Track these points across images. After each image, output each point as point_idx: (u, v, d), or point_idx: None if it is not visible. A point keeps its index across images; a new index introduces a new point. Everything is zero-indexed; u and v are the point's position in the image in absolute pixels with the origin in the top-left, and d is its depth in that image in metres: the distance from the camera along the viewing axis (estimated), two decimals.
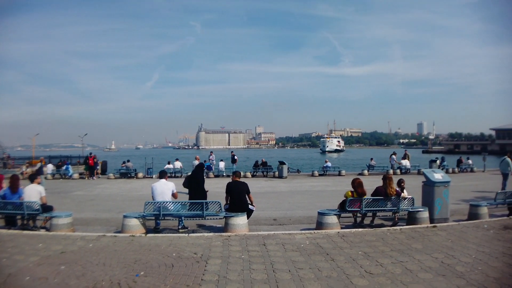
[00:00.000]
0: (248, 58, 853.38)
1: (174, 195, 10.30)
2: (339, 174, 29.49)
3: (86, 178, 27.60)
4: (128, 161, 30.01)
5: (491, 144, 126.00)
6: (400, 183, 11.01)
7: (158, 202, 9.69)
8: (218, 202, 9.63)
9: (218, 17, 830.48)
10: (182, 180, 12.01)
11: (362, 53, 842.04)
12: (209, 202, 9.65)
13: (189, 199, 10.70)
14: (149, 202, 9.69)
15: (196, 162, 22.20)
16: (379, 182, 10.94)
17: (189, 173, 14.00)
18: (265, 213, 12.93)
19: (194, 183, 11.22)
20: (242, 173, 27.58)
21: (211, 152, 30.49)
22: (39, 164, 24.17)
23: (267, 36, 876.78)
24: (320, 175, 29.55)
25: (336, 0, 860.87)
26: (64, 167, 28.60)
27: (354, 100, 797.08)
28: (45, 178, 23.41)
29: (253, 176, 28.74)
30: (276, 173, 28.49)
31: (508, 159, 18.69)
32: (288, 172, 28.88)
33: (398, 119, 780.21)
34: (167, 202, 9.74)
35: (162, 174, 10.76)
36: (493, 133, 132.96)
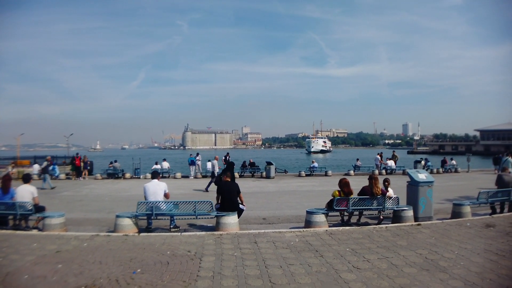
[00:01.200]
0: (235, 58, 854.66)
1: (166, 195, 10.51)
2: (326, 175, 29.84)
3: (73, 179, 27.50)
4: (116, 161, 29.99)
5: (476, 145, 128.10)
6: (384, 182, 11.38)
7: (150, 202, 9.90)
8: (210, 201, 9.87)
9: (205, 16, 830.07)
10: (171, 181, 12.23)
11: (348, 54, 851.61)
12: (201, 201, 9.88)
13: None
14: (141, 202, 9.89)
15: (215, 162, 22.28)
16: (365, 182, 11.24)
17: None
18: (254, 213, 13.16)
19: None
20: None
21: (198, 153, 30.59)
22: (45, 163, 24.12)
23: (254, 36, 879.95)
24: (307, 175, 29.86)
25: (323, 1, 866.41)
26: (50, 168, 28.39)
27: (340, 101, 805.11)
28: (32, 178, 23.35)
29: (240, 176, 28.84)
30: (264, 173, 28.75)
31: (510, 159, 20.05)
32: (275, 173, 29.13)
33: (384, 120, 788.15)
34: (159, 202, 9.95)
35: (155, 175, 11.01)
36: (477, 134, 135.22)
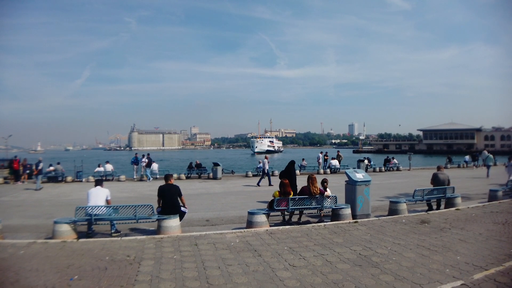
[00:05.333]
0: (184, 57, 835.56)
1: (107, 202, 10.40)
2: (272, 175, 30.02)
3: (12, 183, 26.36)
4: (58, 163, 28.86)
5: (419, 144, 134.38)
6: (323, 182, 11.76)
7: (89, 207, 9.74)
8: (151, 205, 9.82)
9: (154, 14, 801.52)
10: (114, 183, 12.05)
11: (298, 56, 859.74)
12: (141, 205, 9.82)
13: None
14: (80, 207, 9.71)
15: (266, 161, 25.55)
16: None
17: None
18: (198, 215, 13.15)
19: (289, 177, 12.64)
20: (176, 175, 27.74)
21: (143, 155, 29.98)
22: (41, 164, 23.43)
23: (204, 35, 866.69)
24: (254, 175, 30.01)
25: (274, 3, 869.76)
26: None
27: (289, 102, 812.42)
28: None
29: (187, 177, 28.74)
30: (211, 174, 28.77)
31: (491, 155, 24.85)
32: (222, 173, 29.24)
33: (331, 120, 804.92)
34: (98, 207, 9.80)
35: (98, 182, 10.91)
36: (420, 133, 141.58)
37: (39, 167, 23.40)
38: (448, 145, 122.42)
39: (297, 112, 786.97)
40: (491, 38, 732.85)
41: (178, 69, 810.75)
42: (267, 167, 25.20)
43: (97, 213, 9.70)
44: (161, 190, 10.39)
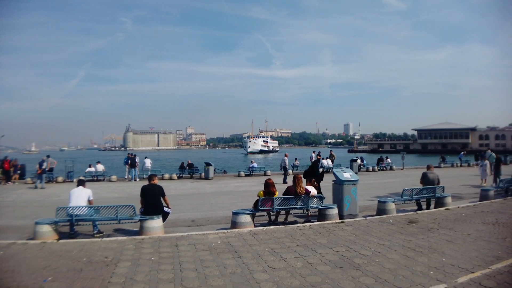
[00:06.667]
0: (180, 57, 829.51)
1: (90, 202, 10.27)
2: (265, 174, 30.07)
3: (2, 184, 26.15)
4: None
5: (413, 143, 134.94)
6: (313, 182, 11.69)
7: (70, 208, 9.61)
8: (132, 205, 9.71)
9: (150, 14, 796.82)
10: (105, 184, 11.91)
11: (293, 56, 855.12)
12: (122, 206, 9.70)
13: None
14: (60, 208, 9.60)
15: (286, 159, 26.12)
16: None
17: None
18: (185, 215, 13.04)
19: (313, 175, 12.92)
20: (168, 175, 27.69)
21: (134, 155, 29.66)
22: (45, 164, 23.48)
23: (200, 35, 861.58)
24: (246, 175, 30.09)
25: (270, 3, 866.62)
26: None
27: (285, 102, 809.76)
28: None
29: (179, 178, 28.65)
30: (203, 174, 28.65)
31: (494, 154, 25.09)
32: (214, 173, 29.15)
33: (326, 120, 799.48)
34: (79, 207, 9.66)
35: (80, 182, 10.76)
36: (415, 133, 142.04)
37: (43, 167, 23.45)
38: (443, 145, 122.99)
39: (293, 112, 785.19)
40: (486, 38, 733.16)
41: (174, 69, 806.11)
42: (287, 164, 26.01)
43: (78, 213, 9.56)
44: (143, 190, 10.27)
